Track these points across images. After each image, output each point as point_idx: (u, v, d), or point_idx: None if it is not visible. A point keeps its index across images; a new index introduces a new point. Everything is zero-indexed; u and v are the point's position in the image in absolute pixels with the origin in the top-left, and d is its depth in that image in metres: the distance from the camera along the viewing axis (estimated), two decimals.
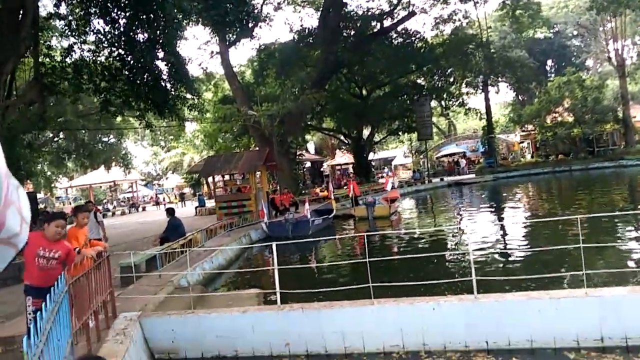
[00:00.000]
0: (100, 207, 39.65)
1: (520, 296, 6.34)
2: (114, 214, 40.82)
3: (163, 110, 18.60)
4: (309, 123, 38.89)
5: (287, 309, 6.86)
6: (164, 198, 50.90)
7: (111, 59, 17.77)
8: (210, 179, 27.19)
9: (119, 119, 31.47)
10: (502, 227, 16.43)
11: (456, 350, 6.11)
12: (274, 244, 7.30)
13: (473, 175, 43.34)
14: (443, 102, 43.20)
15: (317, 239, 14.64)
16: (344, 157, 52.38)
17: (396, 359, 6.09)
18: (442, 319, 6.26)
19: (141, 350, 6.46)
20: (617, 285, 6.41)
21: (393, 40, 36.16)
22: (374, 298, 6.61)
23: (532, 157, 47.97)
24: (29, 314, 5.25)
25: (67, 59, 18.06)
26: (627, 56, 46.86)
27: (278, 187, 28.47)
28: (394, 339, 6.34)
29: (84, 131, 33.38)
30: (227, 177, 25.90)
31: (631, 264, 9.84)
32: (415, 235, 16.16)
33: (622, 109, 41.57)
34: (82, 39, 17.96)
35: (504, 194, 29.62)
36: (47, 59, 18.42)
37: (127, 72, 17.53)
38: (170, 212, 13.70)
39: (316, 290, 7.63)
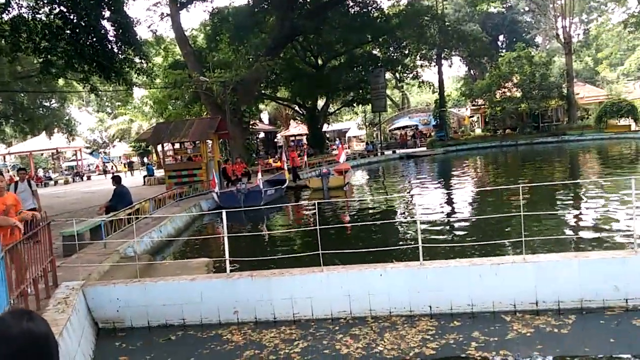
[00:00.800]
0: (41, 176, 38.01)
1: (463, 262, 6.56)
2: (56, 182, 39.11)
3: (109, 73, 17.72)
4: (262, 92, 38.26)
5: (237, 276, 6.84)
6: (111, 167, 49.20)
7: (52, 16, 16.68)
8: (159, 147, 26.42)
9: (61, 82, 29.84)
10: (450, 197, 16.93)
11: (401, 315, 6.29)
12: (223, 212, 7.20)
13: (424, 148, 44.19)
14: (397, 74, 43.44)
15: (269, 206, 14.59)
16: (298, 128, 52.08)
17: (344, 324, 6.21)
18: (389, 285, 6.41)
19: (84, 319, 6.29)
20: (553, 252, 6.75)
21: (349, 9, 35.77)
22: (324, 265, 6.68)
23: (481, 131, 49.32)
24: None
25: (4, 16, 16.80)
26: (574, 34, 48.53)
27: (230, 157, 28.04)
28: (342, 304, 6.46)
29: (22, 94, 31.48)
30: (177, 145, 25.23)
31: (567, 231, 10.40)
32: (366, 205, 16.41)
33: (566, 86, 43.20)
34: None
35: (453, 167, 30.45)
36: None
37: (69, 32, 16.51)
38: (116, 180, 13.23)
39: (266, 258, 7.64)
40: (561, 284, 6.12)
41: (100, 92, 26.39)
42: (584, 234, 9.93)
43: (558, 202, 13.77)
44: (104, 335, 6.51)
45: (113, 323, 6.70)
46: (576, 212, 12.39)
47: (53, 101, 36.65)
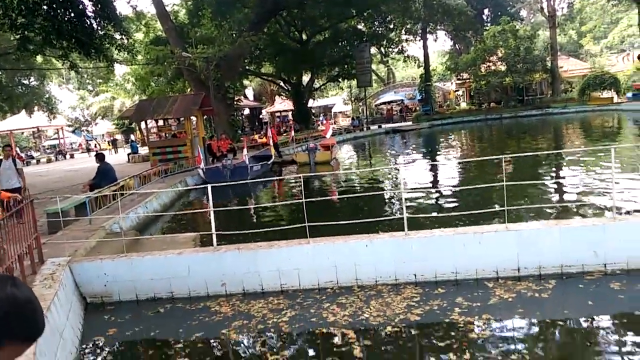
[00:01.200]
0: (22, 154, 37.39)
1: (447, 232, 6.67)
2: (39, 161, 38.56)
3: (89, 50, 17.34)
4: (247, 67, 37.79)
5: (224, 249, 6.88)
6: (95, 145, 48.53)
7: None
8: (143, 125, 26.08)
9: (40, 59, 29.13)
10: (435, 170, 17.08)
11: (387, 283, 6.41)
12: (209, 186, 7.21)
13: (410, 123, 44.26)
14: (382, 49, 43.15)
15: (255, 180, 14.55)
16: (283, 104, 51.69)
17: (330, 294, 6.31)
18: (374, 255, 6.51)
19: (71, 294, 6.30)
20: (535, 220, 6.88)
21: None
22: (310, 237, 6.74)
23: (466, 105, 49.47)
24: None
25: None
26: (558, 7, 48.38)
27: (215, 133, 27.82)
28: (329, 275, 6.55)
29: (0, 72, 30.72)
30: (161, 122, 24.95)
31: (549, 200, 10.59)
32: (353, 178, 16.49)
33: (550, 59, 43.32)
34: None
35: (439, 140, 30.59)
36: None
37: (46, 7, 16.06)
38: (100, 157, 13.08)
39: (253, 231, 7.67)
40: (542, 251, 6.26)
41: (80, 69, 25.82)
42: (566, 203, 10.14)
43: (541, 173, 13.99)
44: (93, 310, 6.55)
45: (101, 297, 6.72)
46: (558, 181, 12.61)
47: (32, 79, 35.85)
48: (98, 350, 5.40)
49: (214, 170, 17.98)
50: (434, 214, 9.17)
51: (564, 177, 13.43)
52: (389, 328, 5.19)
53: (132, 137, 43.16)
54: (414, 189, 13.29)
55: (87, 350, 5.39)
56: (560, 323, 5.03)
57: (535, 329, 4.98)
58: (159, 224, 11.96)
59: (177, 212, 12.25)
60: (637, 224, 6.26)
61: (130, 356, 5.31)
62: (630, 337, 4.66)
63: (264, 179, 15.63)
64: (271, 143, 22.65)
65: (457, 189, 12.75)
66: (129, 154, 30.37)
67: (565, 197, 11.04)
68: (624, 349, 4.45)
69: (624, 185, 10.68)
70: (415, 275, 6.44)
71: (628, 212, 8.13)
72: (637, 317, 5.07)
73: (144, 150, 29.89)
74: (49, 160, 38.57)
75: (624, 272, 6.02)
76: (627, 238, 6.12)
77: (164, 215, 12.46)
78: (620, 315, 5.13)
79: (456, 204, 10.92)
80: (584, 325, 5.01)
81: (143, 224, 11.17)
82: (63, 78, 54.79)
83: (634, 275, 5.94)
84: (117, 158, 32.13)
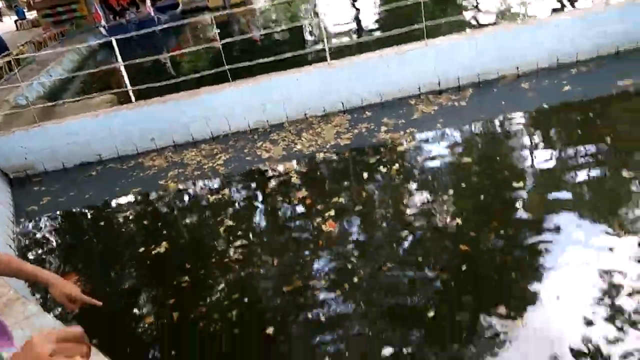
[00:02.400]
0: None
1: (370, 56, 6.64)
2: None
3: None
4: None
5: (144, 105, 6.58)
6: None
7: None
8: None
9: None
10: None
11: (316, 115, 6.50)
12: (113, 39, 6.60)
13: None
14: None
15: (163, 26, 13.45)
16: None
17: (262, 133, 6.36)
18: (301, 90, 6.47)
19: None
20: (453, 34, 6.94)
21: None
22: (233, 81, 6.53)
23: None
24: None
25: None
26: None
27: None
28: (257, 115, 6.52)
29: None
30: None
31: (467, 13, 10.66)
32: (270, 16, 15.69)
33: None
34: None
35: None
36: None
37: None
38: None
39: (171, 82, 7.29)
40: (460, 63, 6.44)
41: None
42: (481, 13, 10.26)
43: None
44: (19, 184, 6.31)
45: (24, 171, 6.44)
46: None
47: None
48: (35, 218, 5.34)
49: (117, 26, 16.43)
50: (355, 40, 9.05)
51: None
52: (321, 154, 5.40)
53: (15, 1, 37.64)
54: (334, 18, 12.87)
55: (23, 220, 5.31)
56: (478, 125, 5.42)
57: (456, 134, 5.35)
58: (69, 90, 11.13)
59: (85, 72, 11.25)
60: (544, 25, 6.47)
61: (69, 218, 5.30)
62: (537, 127, 5.13)
63: (174, 24, 14.57)
64: None
65: (376, 10, 12.46)
66: (15, 21, 26.81)
67: (481, 7, 11.12)
68: (533, 138, 4.92)
69: None
70: (342, 103, 6.54)
71: (538, 15, 8.37)
72: (543, 109, 5.52)
73: (32, 15, 26.44)
74: None
75: (534, 73, 6.39)
76: (536, 40, 6.37)
77: (73, 79, 11.53)
78: (529, 109, 5.56)
79: (377, 27, 10.78)
80: (498, 123, 5.42)
81: (50, 93, 10.37)
82: None
83: (542, 75, 6.33)
84: (2, 27, 28.38)
